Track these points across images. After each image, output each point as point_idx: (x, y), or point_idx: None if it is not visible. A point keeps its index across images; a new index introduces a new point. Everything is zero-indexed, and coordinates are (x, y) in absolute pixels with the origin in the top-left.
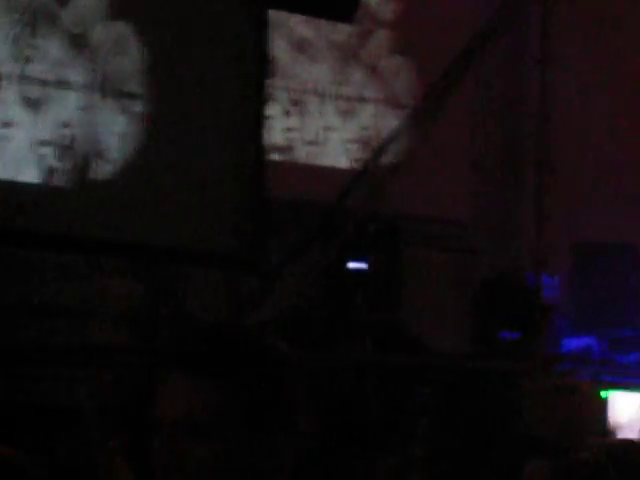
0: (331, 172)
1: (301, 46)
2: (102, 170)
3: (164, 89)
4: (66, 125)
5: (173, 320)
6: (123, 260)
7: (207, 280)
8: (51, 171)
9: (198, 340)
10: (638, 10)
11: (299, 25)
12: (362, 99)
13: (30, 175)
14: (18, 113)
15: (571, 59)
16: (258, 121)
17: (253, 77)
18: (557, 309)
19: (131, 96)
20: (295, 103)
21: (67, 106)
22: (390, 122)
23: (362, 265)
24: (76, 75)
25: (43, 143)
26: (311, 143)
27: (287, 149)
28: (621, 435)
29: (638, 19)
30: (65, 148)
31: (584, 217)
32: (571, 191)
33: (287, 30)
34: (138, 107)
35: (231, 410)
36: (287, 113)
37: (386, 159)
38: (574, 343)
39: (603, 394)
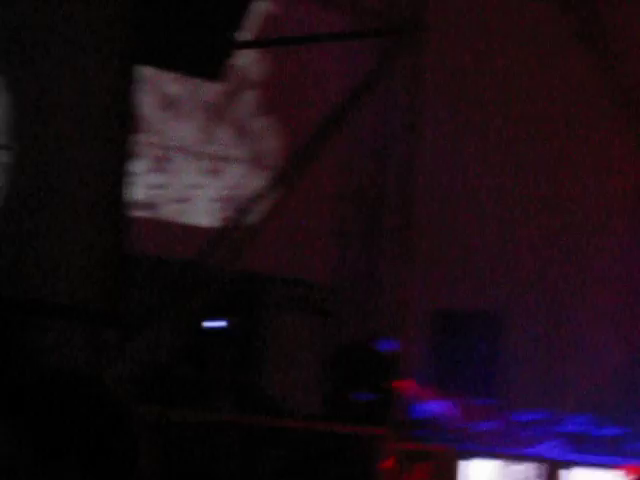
0: (195, 230)
1: (169, 103)
2: None
3: (31, 140)
4: None
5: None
6: None
7: (65, 333)
8: None
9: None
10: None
11: (168, 82)
12: (228, 158)
13: None
14: None
15: (439, 120)
16: (121, 176)
17: (118, 132)
18: (412, 374)
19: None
20: (161, 160)
21: None
22: (256, 182)
23: (220, 324)
24: None
25: None
26: (176, 201)
27: (152, 206)
28: None
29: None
30: None
31: (443, 283)
32: (430, 257)
33: (156, 86)
34: (4, 158)
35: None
36: (153, 170)
37: (250, 219)
38: (428, 408)
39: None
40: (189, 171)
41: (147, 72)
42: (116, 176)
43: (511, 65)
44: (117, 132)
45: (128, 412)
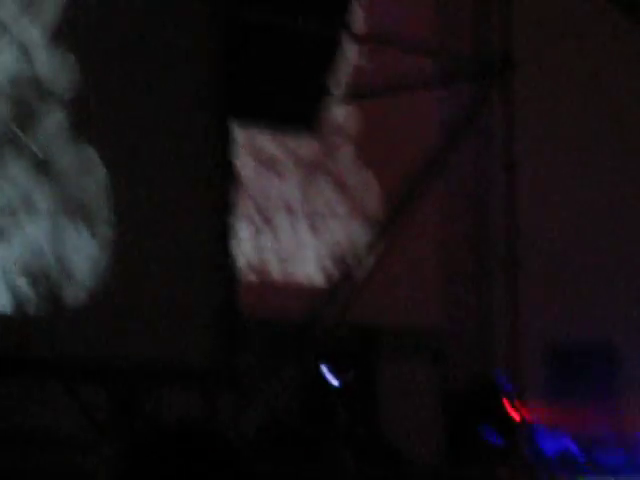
0: (303, 289)
1: (268, 163)
2: (73, 294)
3: (130, 211)
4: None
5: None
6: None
7: (182, 398)
8: (23, 298)
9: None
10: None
11: (266, 142)
12: (332, 214)
13: (2, 302)
14: None
15: (537, 154)
16: (228, 239)
17: (221, 195)
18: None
19: (97, 220)
20: (266, 221)
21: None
22: (359, 236)
23: (335, 382)
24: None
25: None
26: (282, 261)
27: (259, 268)
28: None
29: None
30: (36, 274)
31: (556, 316)
32: (541, 291)
33: (254, 148)
34: (105, 230)
35: None
36: (258, 231)
37: (357, 273)
38: (551, 444)
39: None
40: (292, 230)
41: (245, 134)
42: (223, 239)
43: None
44: (219, 193)
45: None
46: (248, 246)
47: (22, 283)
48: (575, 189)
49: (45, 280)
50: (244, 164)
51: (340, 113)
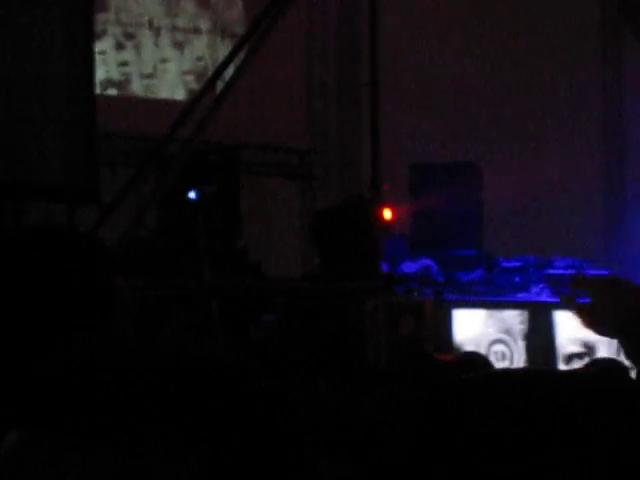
0: (165, 104)
1: None
2: None
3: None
4: None
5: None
6: None
7: (44, 216)
8: None
9: None
10: None
11: None
12: (196, 30)
13: None
14: None
15: None
16: (89, 56)
17: (83, 12)
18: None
19: None
20: (126, 37)
21: None
22: (223, 52)
23: (192, 194)
24: None
25: None
26: (144, 77)
27: (120, 83)
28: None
29: None
30: None
31: (420, 138)
32: (404, 113)
33: None
34: None
35: None
36: (121, 47)
37: (219, 87)
38: (412, 266)
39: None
40: (159, 46)
41: None
42: (84, 55)
43: None
44: (82, 11)
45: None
46: (110, 61)
47: None
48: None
49: None
50: None
51: None
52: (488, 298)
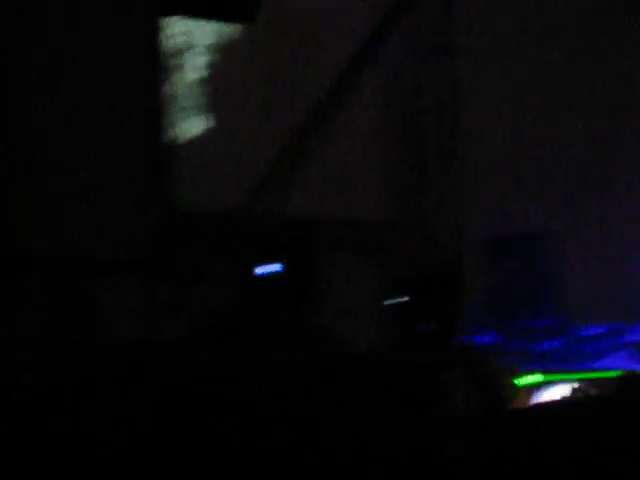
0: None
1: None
2: None
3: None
4: None
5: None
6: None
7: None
8: None
9: None
10: None
11: None
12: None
13: None
14: None
15: (473, 46)
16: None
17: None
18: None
19: None
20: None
21: None
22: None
23: (274, 268)
24: None
25: None
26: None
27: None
28: None
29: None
30: None
31: (495, 208)
32: (479, 183)
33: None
34: None
35: None
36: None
37: (293, 163)
38: (479, 339)
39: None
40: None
41: None
42: (159, 130)
43: None
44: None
45: None
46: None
47: None
48: (514, 74)
49: None
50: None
51: None
52: (572, 366)
